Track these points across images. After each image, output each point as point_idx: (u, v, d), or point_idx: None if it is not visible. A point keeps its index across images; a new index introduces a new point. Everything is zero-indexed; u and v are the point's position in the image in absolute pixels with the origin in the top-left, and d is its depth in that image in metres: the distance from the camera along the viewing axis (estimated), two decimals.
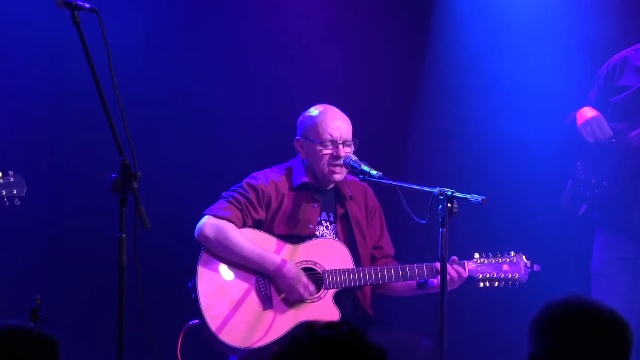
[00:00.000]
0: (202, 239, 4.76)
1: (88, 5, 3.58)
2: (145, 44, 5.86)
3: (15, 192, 4.88)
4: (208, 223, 4.75)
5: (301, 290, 4.72)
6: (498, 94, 6.15)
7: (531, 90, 6.06)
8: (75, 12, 3.56)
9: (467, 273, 4.82)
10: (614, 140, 5.29)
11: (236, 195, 4.81)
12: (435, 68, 6.33)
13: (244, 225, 4.79)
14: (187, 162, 6.00)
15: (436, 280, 4.75)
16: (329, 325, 2.20)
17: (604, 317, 2.48)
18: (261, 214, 4.83)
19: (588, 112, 5.31)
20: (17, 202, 4.90)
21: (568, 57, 6.00)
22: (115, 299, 3.45)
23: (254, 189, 4.83)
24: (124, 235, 3.46)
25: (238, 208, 4.78)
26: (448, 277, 4.57)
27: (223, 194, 4.86)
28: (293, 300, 4.74)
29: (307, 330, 2.19)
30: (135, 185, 3.45)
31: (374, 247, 5.01)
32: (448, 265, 4.71)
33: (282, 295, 4.75)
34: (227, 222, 4.74)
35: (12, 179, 4.90)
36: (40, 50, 5.70)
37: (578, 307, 2.49)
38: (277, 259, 4.74)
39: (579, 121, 5.31)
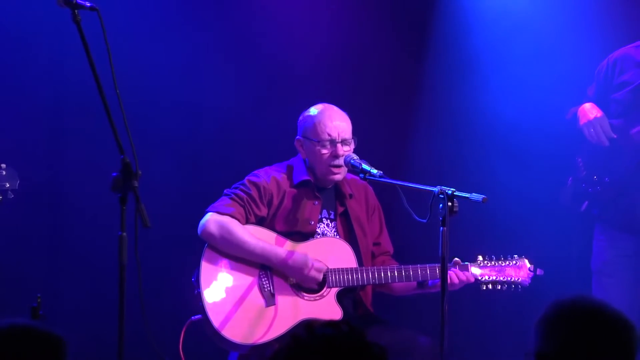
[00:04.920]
0: (206, 236, 4.76)
1: (88, 4, 3.58)
2: (146, 43, 5.85)
3: (7, 185, 4.73)
4: (211, 220, 4.76)
5: (312, 274, 4.71)
6: (498, 93, 6.15)
7: (531, 88, 6.06)
8: (76, 11, 3.56)
9: (473, 279, 4.81)
10: (615, 136, 5.30)
11: (238, 192, 4.82)
12: (435, 67, 6.33)
13: (247, 222, 4.80)
14: (188, 160, 6.00)
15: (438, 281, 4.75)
16: (329, 324, 2.20)
17: (611, 317, 2.50)
18: (263, 211, 4.83)
19: (591, 112, 5.30)
20: (11, 195, 4.74)
21: (567, 54, 6.00)
22: (115, 298, 3.46)
23: (256, 185, 4.83)
24: (125, 233, 3.47)
25: (240, 205, 4.79)
26: (450, 280, 4.60)
27: (225, 191, 4.87)
28: (309, 286, 4.74)
29: (307, 329, 2.19)
30: (136, 183, 3.46)
31: (373, 244, 5.01)
32: (455, 270, 4.73)
33: (292, 281, 4.76)
34: (231, 218, 4.75)
35: (3, 172, 4.74)
36: (40, 49, 5.70)
37: (586, 307, 2.50)
38: (281, 251, 4.75)
39: (582, 120, 5.30)
